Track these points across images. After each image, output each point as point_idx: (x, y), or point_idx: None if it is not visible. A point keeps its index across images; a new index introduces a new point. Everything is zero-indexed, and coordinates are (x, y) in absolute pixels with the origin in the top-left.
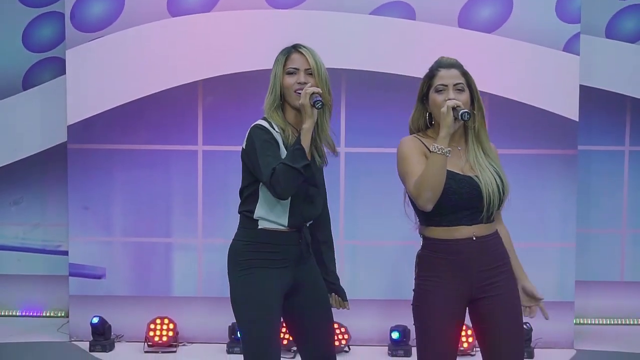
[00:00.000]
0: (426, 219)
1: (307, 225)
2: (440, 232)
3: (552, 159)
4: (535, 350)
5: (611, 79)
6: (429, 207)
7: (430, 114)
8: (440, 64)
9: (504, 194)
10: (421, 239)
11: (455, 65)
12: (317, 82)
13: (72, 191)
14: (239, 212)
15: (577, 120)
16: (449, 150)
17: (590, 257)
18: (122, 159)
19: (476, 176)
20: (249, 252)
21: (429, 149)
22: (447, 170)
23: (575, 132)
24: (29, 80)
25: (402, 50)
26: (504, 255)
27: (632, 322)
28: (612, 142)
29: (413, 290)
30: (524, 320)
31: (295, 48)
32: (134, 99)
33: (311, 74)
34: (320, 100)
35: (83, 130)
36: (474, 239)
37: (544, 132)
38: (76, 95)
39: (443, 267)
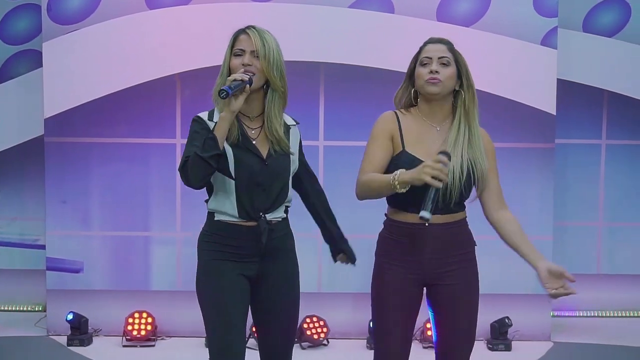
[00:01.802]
0: (389, 199)
1: (264, 216)
2: (397, 215)
3: (529, 153)
4: (512, 342)
5: (588, 72)
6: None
7: (416, 91)
8: (430, 40)
9: (472, 184)
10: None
11: (443, 41)
12: (263, 65)
13: (50, 185)
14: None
15: (555, 113)
16: (403, 192)
17: (567, 250)
18: (100, 153)
19: None
20: (209, 242)
21: (400, 130)
22: (412, 155)
23: (553, 125)
24: (5, 73)
25: (381, 43)
26: (466, 245)
27: (608, 315)
28: (589, 135)
29: (373, 267)
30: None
31: (245, 29)
32: (111, 92)
33: (257, 56)
34: (225, 90)
35: (60, 123)
36: (427, 225)
37: (521, 125)
38: (53, 88)
39: (396, 249)
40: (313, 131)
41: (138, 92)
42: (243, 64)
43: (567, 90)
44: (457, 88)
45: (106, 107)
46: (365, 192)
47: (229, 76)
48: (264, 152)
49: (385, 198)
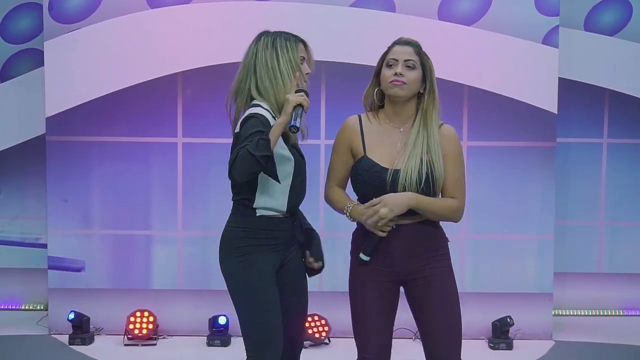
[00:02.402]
0: (359, 199)
1: (300, 211)
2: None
3: (530, 151)
4: (514, 341)
5: (590, 71)
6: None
7: (381, 91)
8: (397, 42)
9: (430, 185)
10: None
11: (411, 43)
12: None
13: (51, 184)
14: (234, 200)
15: (556, 112)
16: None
17: (568, 249)
18: (102, 152)
19: (395, 170)
20: (246, 238)
21: (362, 137)
22: (370, 159)
23: (554, 124)
24: (7, 72)
25: (382, 42)
26: (435, 242)
27: (609, 313)
28: (591, 134)
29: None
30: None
31: (304, 42)
32: (113, 91)
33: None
34: (295, 126)
35: (62, 122)
36: (393, 227)
37: (522, 124)
38: (54, 87)
39: None
40: (314, 130)
41: (139, 91)
42: (307, 73)
43: (568, 89)
44: (421, 91)
45: (108, 106)
46: (330, 204)
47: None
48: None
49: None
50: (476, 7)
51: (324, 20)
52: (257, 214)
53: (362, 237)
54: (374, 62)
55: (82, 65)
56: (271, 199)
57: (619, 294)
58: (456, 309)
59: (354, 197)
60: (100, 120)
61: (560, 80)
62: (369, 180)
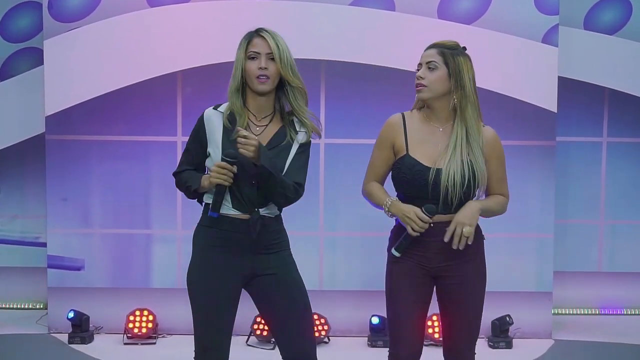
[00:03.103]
0: (401, 195)
1: (258, 210)
2: None
3: (530, 150)
4: (514, 340)
5: (589, 70)
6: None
7: None
8: (428, 46)
9: (472, 186)
10: None
11: (437, 45)
12: (279, 67)
13: (51, 182)
14: None
15: (556, 111)
16: (391, 214)
17: (568, 248)
18: (101, 150)
19: (438, 168)
20: (201, 236)
21: (405, 134)
22: (412, 157)
23: (554, 123)
24: (7, 71)
25: (382, 41)
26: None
27: (609, 312)
28: (590, 133)
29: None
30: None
31: (258, 32)
32: (112, 90)
33: (272, 58)
34: (213, 216)
35: (61, 121)
36: (431, 225)
37: (522, 123)
38: (54, 86)
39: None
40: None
41: (139, 89)
42: (260, 68)
43: (568, 87)
44: (452, 89)
45: (107, 104)
46: (367, 199)
47: (242, 76)
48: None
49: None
50: (476, 6)
51: (323, 19)
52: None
53: (399, 234)
54: (373, 61)
55: (82, 64)
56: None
57: (619, 293)
58: (480, 310)
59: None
60: (99, 119)
61: (560, 79)
62: (411, 178)
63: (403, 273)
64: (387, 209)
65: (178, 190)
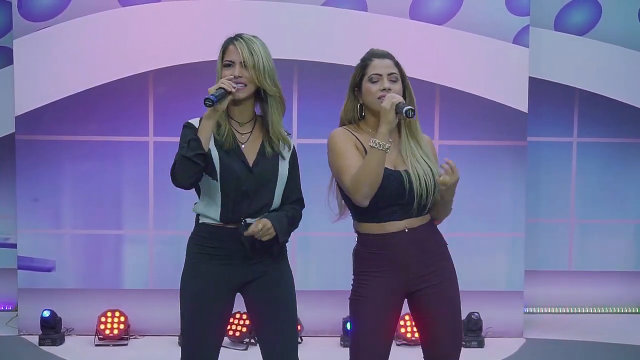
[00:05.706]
0: (359, 215)
1: (245, 220)
2: (373, 227)
3: (502, 150)
4: (485, 339)
5: (560, 71)
6: (365, 202)
7: (361, 105)
8: (374, 54)
9: (436, 184)
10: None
11: (388, 55)
12: (253, 75)
13: (21, 183)
14: None
15: (527, 111)
16: (389, 147)
17: (539, 247)
18: (72, 151)
19: (405, 171)
20: (192, 245)
21: (361, 142)
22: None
23: (525, 123)
24: None
25: (354, 41)
26: (441, 244)
27: (579, 311)
28: (561, 133)
29: (351, 284)
30: (475, 310)
31: (233, 39)
32: (83, 90)
33: (246, 66)
34: (211, 99)
35: (31, 121)
36: (406, 231)
37: (494, 123)
38: (24, 85)
39: (377, 262)
40: (286, 129)
41: (110, 89)
42: (234, 76)
43: (539, 88)
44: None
45: (78, 104)
46: (362, 183)
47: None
48: (250, 159)
49: (351, 212)
50: (447, 7)
51: (296, 18)
52: (200, 221)
53: (366, 254)
54: (346, 61)
55: (52, 64)
56: (207, 207)
57: (590, 292)
58: (460, 312)
59: None
60: (70, 118)
61: (531, 79)
62: (387, 184)
63: (372, 303)
64: (378, 142)
65: (179, 177)
